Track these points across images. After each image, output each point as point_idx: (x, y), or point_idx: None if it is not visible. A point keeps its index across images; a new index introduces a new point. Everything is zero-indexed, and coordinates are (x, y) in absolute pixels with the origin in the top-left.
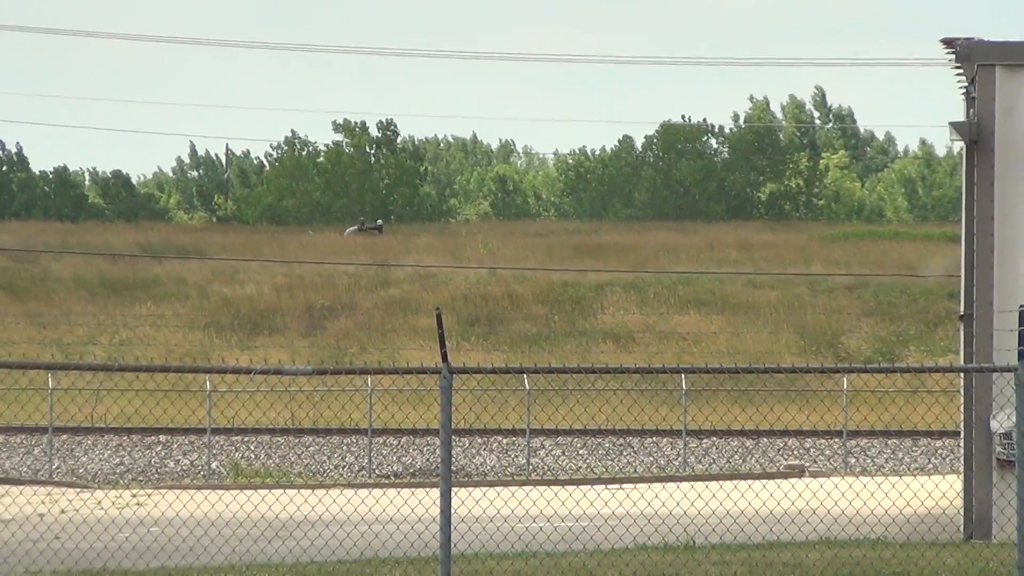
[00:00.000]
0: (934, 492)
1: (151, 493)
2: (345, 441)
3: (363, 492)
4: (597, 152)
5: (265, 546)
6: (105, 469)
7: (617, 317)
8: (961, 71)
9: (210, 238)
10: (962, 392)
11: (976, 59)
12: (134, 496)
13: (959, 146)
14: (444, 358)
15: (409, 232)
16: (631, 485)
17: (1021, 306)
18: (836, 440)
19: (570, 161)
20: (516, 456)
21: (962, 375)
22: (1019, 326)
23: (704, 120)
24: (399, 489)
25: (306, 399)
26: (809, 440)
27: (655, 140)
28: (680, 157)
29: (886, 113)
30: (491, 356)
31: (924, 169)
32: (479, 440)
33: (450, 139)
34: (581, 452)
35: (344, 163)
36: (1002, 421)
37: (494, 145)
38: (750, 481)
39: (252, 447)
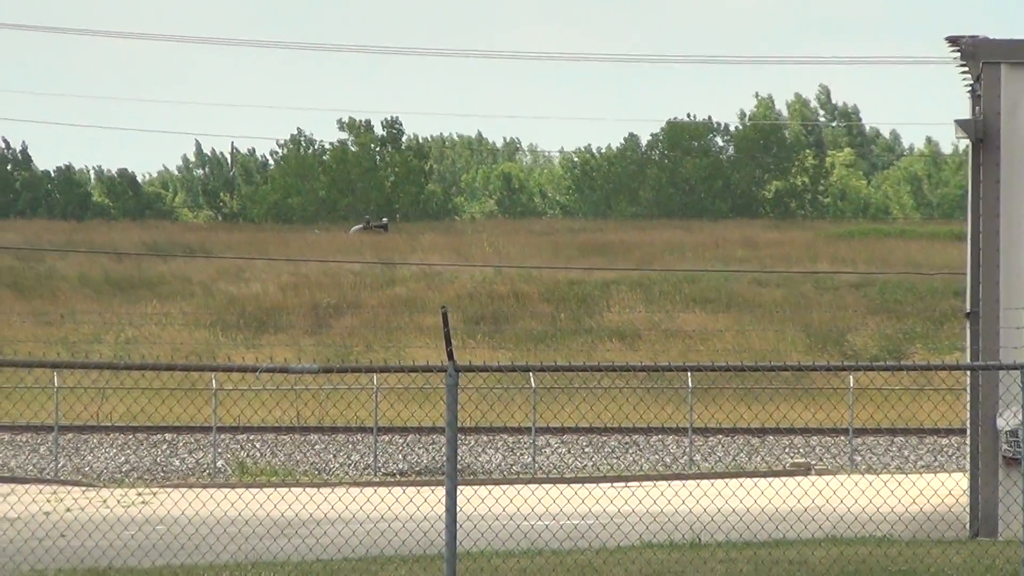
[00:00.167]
0: (940, 490)
1: (156, 491)
2: (351, 439)
3: (369, 490)
4: (603, 150)
5: (271, 544)
6: (111, 467)
7: (623, 315)
8: (966, 69)
9: (216, 237)
10: (968, 390)
11: (981, 57)
12: (139, 494)
13: (965, 144)
14: (450, 356)
15: (414, 230)
16: (637, 483)
17: None
18: (842, 438)
19: (576, 159)
20: (522, 454)
21: (968, 373)
22: None
23: (709, 118)
24: (405, 487)
25: (312, 397)
26: (815, 438)
27: (660, 138)
28: (686, 155)
29: (892, 111)
30: (497, 354)
31: (930, 167)
32: (485, 438)
33: (455, 137)
34: (587, 450)
35: (349, 161)
36: (1008, 419)
37: (499, 143)
38: (756, 479)
39: (258, 445)
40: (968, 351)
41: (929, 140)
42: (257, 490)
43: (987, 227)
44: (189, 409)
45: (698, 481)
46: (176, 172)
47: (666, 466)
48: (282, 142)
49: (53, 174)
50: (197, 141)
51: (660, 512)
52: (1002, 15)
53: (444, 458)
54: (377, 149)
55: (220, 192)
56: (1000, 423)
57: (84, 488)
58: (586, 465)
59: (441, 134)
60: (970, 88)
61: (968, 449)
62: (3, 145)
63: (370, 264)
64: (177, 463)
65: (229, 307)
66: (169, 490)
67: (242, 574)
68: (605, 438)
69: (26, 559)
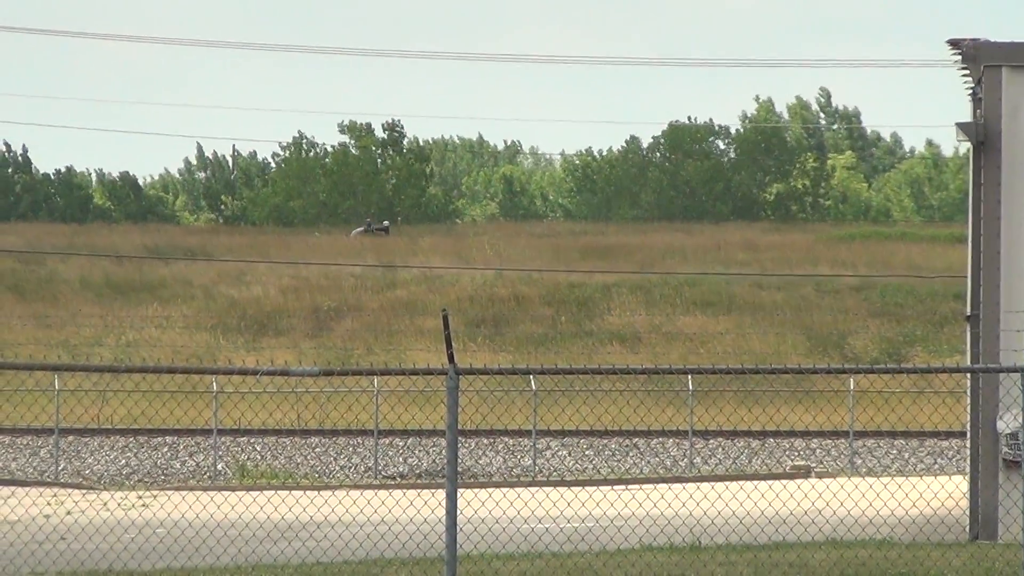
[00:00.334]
0: (940, 493)
1: (157, 494)
2: (351, 442)
3: (369, 493)
4: (604, 153)
5: (271, 547)
6: (111, 470)
7: (624, 318)
8: (967, 72)
9: (216, 240)
10: (968, 393)
11: (982, 60)
12: (140, 497)
13: (966, 146)
14: (450, 359)
15: (415, 233)
16: (637, 486)
17: None
18: (842, 441)
19: (577, 162)
20: (522, 457)
21: (968, 376)
22: None
23: (711, 120)
24: (405, 490)
25: (312, 400)
26: (815, 441)
27: (662, 141)
28: (687, 158)
29: (892, 114)
30: (497, 357)
31: (931, 170)
32: (485, 441)
33: (456, 140)
34: (587, 453)
35: (350, 164)
36: (1008, 422)
37: (500, 146)
38: (756, 482)
39: (258, 448)
40: (968, 354)
41: (930, 143)
42: (257, 493)
43: (988, 230)
44: (190, 412)
45: (698, 484)
46: (177, 175)
47: (666, 469)
48: (284, 145)
49: (53, 177)
50: (199, 144)
51: (660, 515)
52: (1003, 18)
53: (444, 461)
54: (378, 152)
55: (221, 195)
56: (1000, 426)
57: (84, 491)
58: (586, 468)
59: (443, 136)
60: (971, 91)
61: (968, 452)
62: (4, 148)
63: (371, 267)
64: (178, 466)
65: (230, 310)
66: (170, 493)
67: None
68: (605, 441)
69: (26, 562)
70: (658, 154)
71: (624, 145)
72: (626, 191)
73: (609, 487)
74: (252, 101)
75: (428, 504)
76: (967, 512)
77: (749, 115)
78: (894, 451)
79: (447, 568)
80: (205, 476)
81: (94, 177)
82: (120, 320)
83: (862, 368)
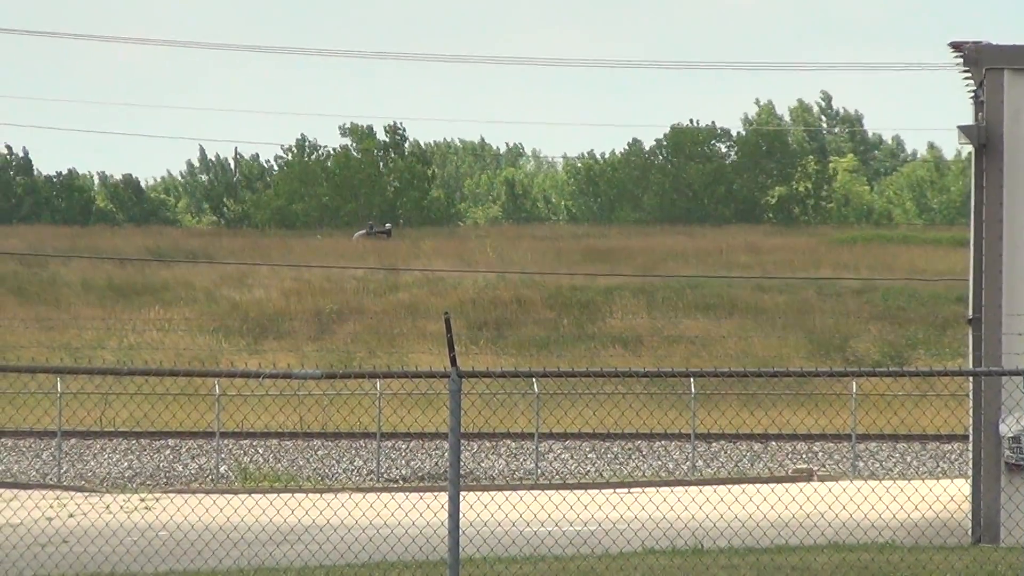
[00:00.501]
0: (942, 496)
1: (159, 497)
2: (354, 445)
3: (372, 496)
4: (606, 156)
5: (273, 550)
6: (114, 473)
7: (626, 321)
8: (969, 75)
9: (219, 242)
10: (971, 396)
11: (984, 63)
12: (142, 500)
13: (967, 149)
14: (453, 362)
15: (418, 236)
16: (639, 489)
17: None
18: (844, 444)
19: (579, 165)
20: (525, 460)
21: (971, 379)
22: None
23: (713, 123)
24: (408, 493)
25: (315, 403)
26: (818, 444)
27: (664, 144)
28: (689, 161)
29: (894, 117)
30: (500, 360)
31: (932, 173)
32: (488, 444)
33: (458, 143)
34: (590, 456)
35: (352, 167)
36: (1011, 425)
37: (502, 149)
38: (759, 485)
39: (261, 451)
40: (970, 357)
41: (931, 146)
42: (260, 496)
43: (990, 233)
44: (192, 415)
45: (701, 487)
46: (180, 177)
47: (669, 472)
48: (286, 147)
49: (55, 180)
50: (201, 146)
51: (662, 518)
52: (1005, 21)
53: (447, 464)
54: (380, 155)
55: (223, 197)
56: (1002, 429)
57: (87, 494)
58: (589, 471)
59: (445, 139)
60: (973, 94)
61: (970, 455)
62: (5, 150)
63: (373, 270)
64: (180, 469)
65: (232, 313)
66: (172, 496)
67: None
68: (608, 444)
69: (29, 565)
70: (660, 157)
71: (626, 148)
72: (628, 194)
73: (611, 490)
74: (254, 104)
75: (431, 507)
76: (969, 515)
77: (751, 118)
78: (896, 454)
79: (450, 571)
80: (207, 479)
81: (96, 180)
82: (122, 323)
83: (864, 371)
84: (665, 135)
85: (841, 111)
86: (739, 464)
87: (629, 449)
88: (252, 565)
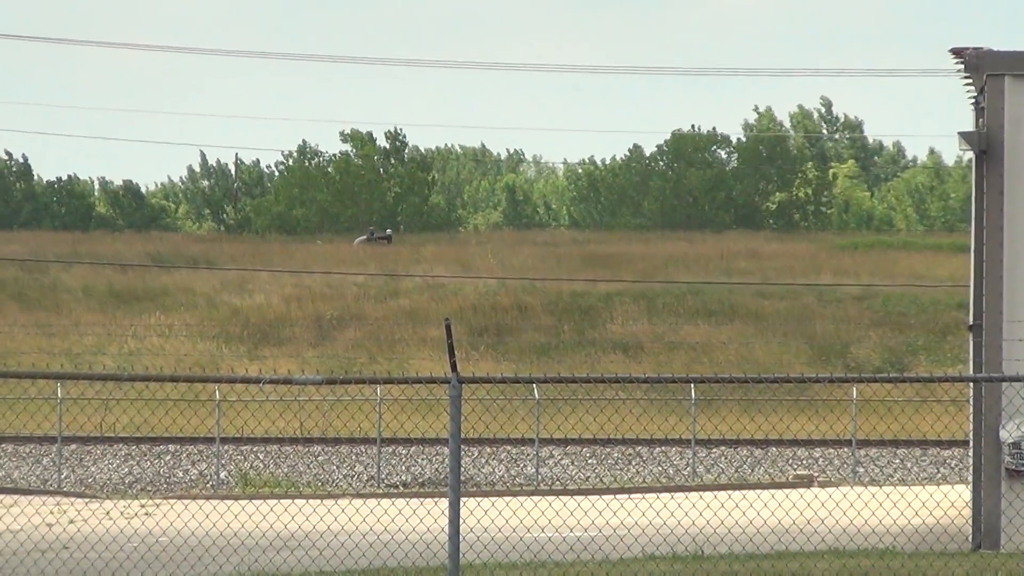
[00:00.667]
0: (943, 502)
1: (160, 503)
2: (354, 451)
3: (372, 502)
4: (607, 161)
5: (273, 556)
6: (114, 479)
7: (626, 327)
8: (970, 81)
9: (219, 248)
10: (971, 402)
11: (985, 69)
12: (143, 506)
13: (968, 156)
14: (453, 368)
15: (418, 242)
16: (640, 495)
17: None
18: (845, 450)
19: (579, 171)
20: (525, 466)
21: (971, 385)
22: None
23: (714, 129)
24: (408, 499)
25: (315, 409)
26: (818, 450)
27: (665, 149)
28: (689, 167)
29: (895, 123)
30: (500, 366)
31: (933, 179)
32: (488, 450)
33: (458, 149)
34: (590, 462)
35: (352, 173)
36: (1011, 431)
37: (503, 155)
38: (759, 491)
39: (261, 457)
40: (971, 363)
41: (932, 152)
42: (260, 502)
43: (990, 239)
44: (192, 420)
45: (701, 493)
46: (180, 183)
47: (669, 478)
48: (287, 153)
49: (56, 185)
50: (202, 152)
51: (663, 524)
52: (1006, 27)
53: (447, 470)
54: (380, 161)
55: (223, 203)
56: (1003, 435)
57: (87, 500)
58: (589, 477)
59: (445, 145)
60: (974, 100)
61: (971, 461)
62: (5, 156)
63: (374, 276)
64: (180, 474)
65: (232, 318)
66: (172, 501)
67: None
68: (608, 450)
69: (29, 571)
70: (661, 163)
71: (627, 154)
72: (629, 200)
73: (612, 496)
74: (255, 110)
75: (431, 513)
76: (969, 522)
77: (751, 124)
78: (897, 460)
79: None
80: (208, 485)
81: (96, 185)
82: (123, 328)
83: (865, 377)
84: (666, 141)
85: (841, 117)
86: (739, 470)
87: (629, 455)
88: (252, 571)
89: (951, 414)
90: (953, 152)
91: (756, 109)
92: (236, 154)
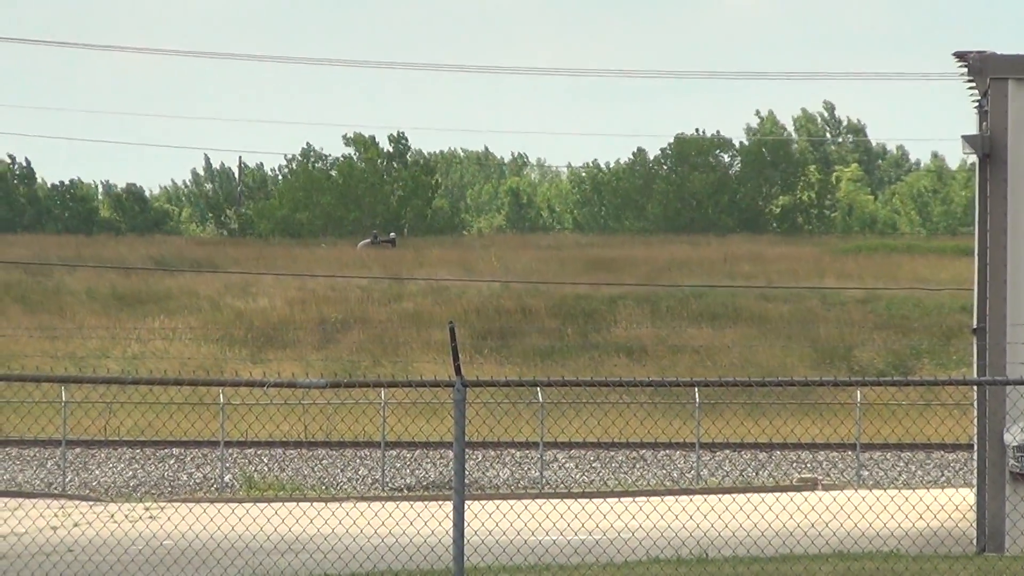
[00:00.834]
0: (947, 505)
1: (164, 506)
2: (358, 454)
3: (376, 505)
4: (610, 165)
5: (278, 559)
6: (118, 482)
7: (630, 330)
8: (974, 84)
9: (223, 251)
10: (975, 405)
11: (989, 72)
12: (147, 509)
13: (972, 159)
14: (457, 371)
15: (422, 245)
16: (644, 498)
17: None
18: (849, 453)
19: (583, 174)
20: (529, 469)
21: (975, 388)
22: None
23: (718, 133)
24: (412, 502)
25: (319, 412)
26: (822, 453)
27: (668, 153)
28: (693, 170)
29: (899, 126)
30: (504, 369)
31: (935, 182)
32: (492, 453)
33: (460, 152)
34: (594, 465)
35: (356, 176)
36: (1015, 434)
37: (506, 158)
38: (763, 494)
39: (265, 460)
40: (975, 366)
41: (935, 155)
42: (264, 505)
43: (994, 242)
44: (196, 424)
45: (705, 496)
46: (184, 187)
47: (673, 481)
48: (290, 157)
49: (59, 189)
50: (206, 155)
51: (667, 527)
52: (1010, 30)
53: (452, 473)
54: (384, 164)
55: (224, 207)
56: (1007, 438)
57: (91, 503)
58: (593, 480)
59: (449, 149)
60: (977, 103)
61: (975, 464)
62: (9, 160)
63: (377, 279)
64: (184, 478)
65: (236, 322)
66: (176, 505)
67: None
68: (612, 453)
69: (34, 574)
70: (664, 167)
71: (631, 157)
72: (632, 203)
73: (616, 499)
74: (259, 113)
75: (435, 516)
76: (974, 524)
77: (754, 128)
78: (901, 463)
79: None
80: (212, 488)
81: (100, 189)
82: (126, 332)
83: (869, 380)
84: (669, 145)
85: (845, 121)
86: (744, 473)
87: (633, 458)
88: (257, 574)
89: (955, 417)
90: (957, 155)
91: (758, 114)
92: (240, 157)
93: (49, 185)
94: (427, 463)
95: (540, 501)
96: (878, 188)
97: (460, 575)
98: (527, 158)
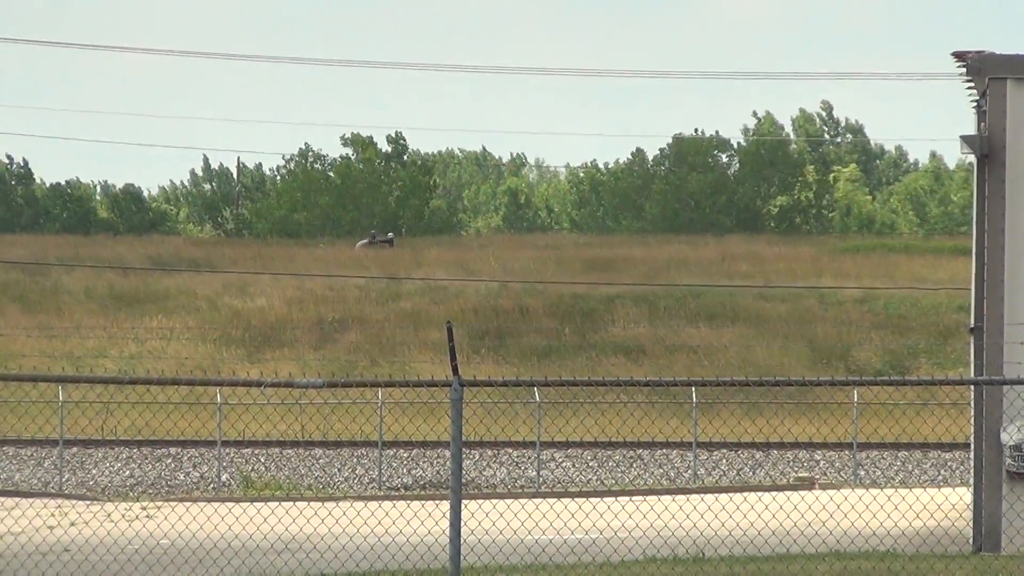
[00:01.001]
0: (944, 504)
1: (161, 506)
2: (355, 454)
3: (373, 505)
4: (609, 165)
5: (275, 559)
6: (115, 482)
7: (627, 330)
8: (972, 84)
9: (221, 251)
10: (972, 405)
11: (987, 72)
12: (144, 509)
13: (970, 159)
14: (455, 371)
15: (419, 245)
16: (641, 497)
17: None
18: (846, 452)
19: (581, 174)
20: (526, 468)
21: (972, 388)
22: None
23: (716, 133)
24: (409, 502)
25: (316, 412)
26: (819, 452)
27: (667, 153)
28: (691, 171)
29: (897, 126)
30: (501, 369)
31: (933, 182)
32: (489, 453)
33: (458, 152)
34: (591, 464)
35: (354, 176)
36: (1012, 433)
37: (505, 158)
38: (760, 493)
39: (262, 460)
40: (972, 366)
41: (933, 155)
42: (261, 504)
43: (992, 242)
44: (194, 423)
45: (702, 495)
46: (182, 187)
47: (670, 480)
48: (288, 157)
49: (57, 189)
50: (205, 156)
51: (664, 527)
52: (1009, 30)
53: (449, 472)
54: (381, 164)
55: (222, 207)
56: (1004, 437)
57: (89, 502)
58: (590, 479)
59: (447, 149)
60: (976, 103)
61: (972, 463)
62: (7, 160)
63: (375, 279)
64: (182, 477)
65: (234, 322)
66: (173, 504)
67: None
68: (609, 452)
69: (30, 574)
70: (663, 167)
71: (629, 158)
72: (630, 204)
73: (613, 498)
74: (257, 113)
75: (432, 516)
76: (971, 524)
77: (752, 128)
78: (898, 463)
79: None
80: (209, 488)
81: (98, 189)
82: (124, 331)
83: (866, 380)
84: (667, 145)
85: (843, 121)
86: (741, 472)
87: (630, 457)
88: (254, 574)
89: (952, 417)
90: (955, 156)
91: (755, 114)
92: (238, 158)
93: (47, 185)
94: (424, 462)
95: (537, 500)
96: (876, 188)
97: (457, 574)
98: (525, 158)
